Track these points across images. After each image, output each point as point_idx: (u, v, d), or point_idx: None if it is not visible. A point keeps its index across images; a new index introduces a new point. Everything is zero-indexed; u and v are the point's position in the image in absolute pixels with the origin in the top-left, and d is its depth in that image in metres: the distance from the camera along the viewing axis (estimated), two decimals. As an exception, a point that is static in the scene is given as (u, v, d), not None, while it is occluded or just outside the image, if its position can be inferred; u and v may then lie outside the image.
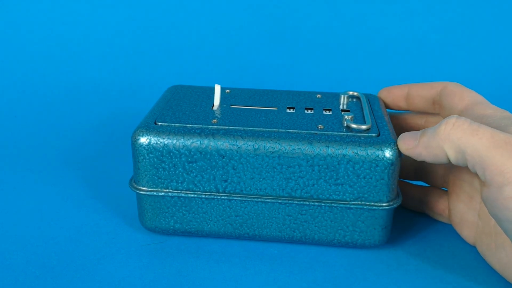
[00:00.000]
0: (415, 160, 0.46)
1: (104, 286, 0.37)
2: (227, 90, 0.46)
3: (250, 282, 0.37)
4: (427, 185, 0.46)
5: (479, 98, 0.39)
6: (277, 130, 0.38)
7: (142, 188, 0.39)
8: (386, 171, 0.37)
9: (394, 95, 0.45)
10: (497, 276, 0.38)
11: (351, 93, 0.44)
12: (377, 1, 0.78)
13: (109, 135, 0.62)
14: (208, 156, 0.38)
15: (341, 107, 0.43)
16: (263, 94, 0.45)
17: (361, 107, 0.43)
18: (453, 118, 0.33)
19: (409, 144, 0.36)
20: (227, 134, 0.38)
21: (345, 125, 0.39)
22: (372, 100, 0.45)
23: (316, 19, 0.79)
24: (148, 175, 0.39)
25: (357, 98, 0.45)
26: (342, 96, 0.43)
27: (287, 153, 0.37)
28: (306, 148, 0.37)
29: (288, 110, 0.42)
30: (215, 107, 0.42)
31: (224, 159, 0.38)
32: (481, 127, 0.32)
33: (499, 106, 0.38)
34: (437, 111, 0.43)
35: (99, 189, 0.49)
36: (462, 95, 0.40)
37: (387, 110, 0.47)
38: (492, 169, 0.31)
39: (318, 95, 0.45)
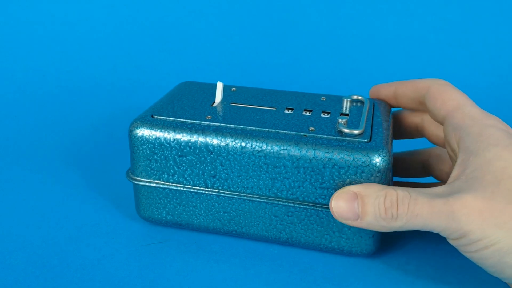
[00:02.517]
0: (421, 157, 0.46)
1: (104, 286, 0.37)
2: (233, 88, 0.46)
3: (250, 282, 0.37)
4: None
5: (461, 101, 0.37)
6: (266, 129, 0.38)
7: (137, 178, 0.41)
8: (372, 178, 0.36)
9: (383, 94, 0.44)
10: (497, 277, 0.37)
11: (355, 97, 0.44)
12: (389, 3, 0.76)
13: (112, 135, 0.61)
14: (197, 151, 0.38)
15: (343, 111, 0.42)
16: (268, 94, 0.45)
17: (362, 112, 0.42)
18: (391, 213, 0.33)
19: (347, 217, 0.35)
20: (216, 130, 0.38)
21: (338, 129, 0.38)
22: (378, 105, 0.44)
23: (331, 20, 0.78)
24: (141, 166, 0.40)
25: (362, 102, 0.44)
26: (346, 100, 0.43)
27: (273, 153, 0.37)
28: (292, 149, 0.37)
29: (286, 111, 0.42)
30: (215, 104, 0.43)
31: (212, 155, 0.38)
32: (417, 203, 0.33)
33: (497, 105, 0.36)
34: (425, 110, 0.42)
35: (100, 189, 0.49)
36: (443, 99, 0.38)
37: None
38: (444, 232, 0.33)
39: (323, 98, 0.45)
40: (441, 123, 0.39)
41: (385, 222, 0.33)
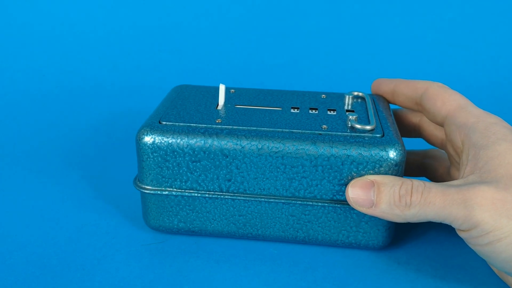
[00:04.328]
0: (416, 157, 0.46)
1: (104, 286, 0.37)
2: (232, 90, 0.46)
3: (250, 282, 0.37)
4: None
5: (462, 101, 0.38)
6: (281, 130, 0.38)
7: (146, 187, 0.39)
8: (390, 172, 0.36)
9: (382, 90, 0.45)
10: (497, 276, 0.38)
11: (356, 93, 0.44)
12: (385, 0, 0.78)
13: (112, 135, 0.62)
14: (212, 155, 0.37)
15: (345, 107, 0.43)
16: (268, 94, 0.45)
17: (366, 108, 0.42)
18: (405, 200, 0.34)
19: (362, 204, 0.36)
20: (231, 133, 0.38)
21: (349, 125, 0.39)
22: (377, 100, 0.45)
23: (322, 18, 0.79)
24: (152, 174, 0.39)
25: (362, 98, 0.45)
26: (347, 96, 0.43)
27: (290, 153, 0.37)
28: (309, 148, 0.37)
29: (292, 110, 0.42)
30: (219, 107, 0.42)
31: (227, 159, 0.37)
32: (431, 191, 0.33)
33: (497, 105, 0.38)
34: (421, 111, 0.43)
35: (101, 188, 0.49)
36: (443, 100, 0.39)
37: None
38: (456, 221, 0.33)
39: (323, 95, 0.45)
40: (440, 123, 0.40)
41: (398, 210, 0.34)
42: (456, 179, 0.40)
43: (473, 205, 0.31)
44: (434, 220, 0.34)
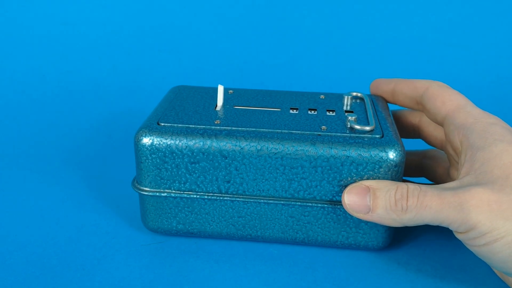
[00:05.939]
0: (415, 158, 0.46)
1: (104, 286, 0.37)
2: (230, 91, 0.45)
3: (250, 282, 0.37)
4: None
5: (461, 101, 0.38)
6: (280, 131, 0.38)
7: (144, 188, 0.39)
8: (389, 172, 0.36)
9: (381, 90, 0.45)
10: (497, 276, 0.38)
11: (354, 94, 0.44)
12: (383, 1, 0.78)
13: (111, 136, 0.62)
14: (211, 157, 0.37)
15: (344, 108, 0.43)
16: (266, 95, 0.45)
17: (365, 108, 0.42)
18: (401, 205, 0.34)
19: (359, 210, 0.36)
20: (230, 135, 0.37)
21: (349, 126, 0.39)
22: (376, 101, 0.45)
23: (320, 18, 0.79)
24: (150, 176, 0.39)
25: (361, 99, 0.44)
26: (346, 97, 0.43)
27: (290, 154, 0.37)
28: (309, 149, 0.37)
29: (291, 111, 0.42)
30: (218, 108, 0.42)
31: (226, 160, 0.37)
32: (427, 194, 0.33)
33: (497, 105, 0.37)
34: (421, 110, 0.42)
35: (99, 189, 0.49)
36: (443, 99, 0.39)
37: None
38: (453, 224, 0.33)
39: (322, 96, 0.45)
40: (440, 123, 0.40)
41: (395, 214, 0.34)
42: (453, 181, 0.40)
43: (469, 207, 0.32)
44: (431, 223, 0.34)
